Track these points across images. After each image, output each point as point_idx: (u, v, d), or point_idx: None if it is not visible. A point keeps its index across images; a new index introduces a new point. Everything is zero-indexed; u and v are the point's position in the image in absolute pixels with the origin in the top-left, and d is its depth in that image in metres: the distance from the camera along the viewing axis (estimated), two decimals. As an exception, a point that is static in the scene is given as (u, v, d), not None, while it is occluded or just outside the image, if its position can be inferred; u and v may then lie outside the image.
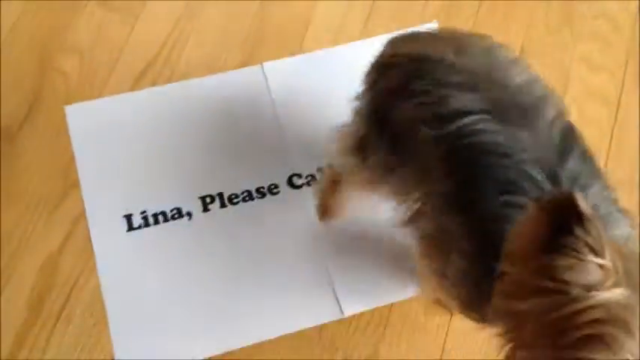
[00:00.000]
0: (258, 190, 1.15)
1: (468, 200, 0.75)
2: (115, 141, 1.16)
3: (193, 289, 1.08)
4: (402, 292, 1.11)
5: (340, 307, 1.09)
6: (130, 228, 1.11)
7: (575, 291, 0.53)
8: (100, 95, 1.19)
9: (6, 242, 1.08)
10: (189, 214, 1.12)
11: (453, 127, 0.74)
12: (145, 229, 1.11)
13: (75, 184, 1.12)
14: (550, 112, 0.74)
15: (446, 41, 0.83)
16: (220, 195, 1.14)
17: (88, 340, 1.04)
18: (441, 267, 0.82)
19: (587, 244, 0.53)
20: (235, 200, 1.14)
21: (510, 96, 0.75)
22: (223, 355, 1.04)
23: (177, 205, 1.13)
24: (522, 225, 0.60)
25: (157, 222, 1.11)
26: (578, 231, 0.53)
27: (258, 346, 1.06)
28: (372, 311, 1.10)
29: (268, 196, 1.15)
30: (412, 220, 0.84)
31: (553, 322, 0.55)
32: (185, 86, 1.22)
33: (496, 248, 0.64)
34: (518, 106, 0.74)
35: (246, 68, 1.25)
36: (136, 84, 1.21)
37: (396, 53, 0.86)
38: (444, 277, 0.82)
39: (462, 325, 1.11)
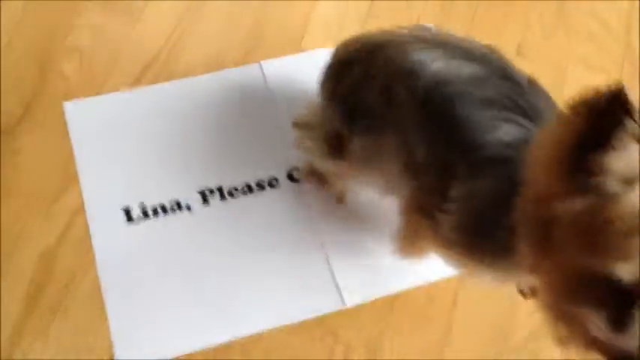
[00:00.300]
0: (257, 183, 1.15)
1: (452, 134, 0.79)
2: (114, 136, 1.16)
3: (193, 281, 1.06)
4: (405, 281, 1.10)
5: (342, 297, 1.08)
6: (129, 220, 1.10)
7: (616, 187, 0.54)
8: (99, 93, 1.20)
9: (4, 235, 1.06)
10: (188, 207, 1.12)
11: (423, 79, 0.80)
12: (144, 221, 1.10)
13: (74, 178, 1.12)
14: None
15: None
16: (220, 188, 1.14)
17: (86, 333, 1.02)
18: (432, 217, 0.82)
19: (635, 136, 0.55)
20: (235, 193, 1.14)
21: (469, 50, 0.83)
22: (226, 344, 1.03)
23: (177, 199, 1.12)
24: (552, 129, 0.62)
25: (156, 214, 1.11)
26: (628, 122, 0.54)
27: (259, 336, 1.04)
28: (375, 301, 1.09)
29: (268, 189, 1.15)
30: (402, 179, 0.86)
31: (586, 226, 0.56)
32: (184, 84, 1.23)
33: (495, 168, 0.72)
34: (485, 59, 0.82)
35: (244, 66, 1.26)
36: (135, 82, 1.22)
37: (351, 49, 0.93)
38: (439, 226, 0.82)
39: (466, 314, 1.10)
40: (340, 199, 1.14)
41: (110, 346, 1.01)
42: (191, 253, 1.09)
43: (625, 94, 0.55)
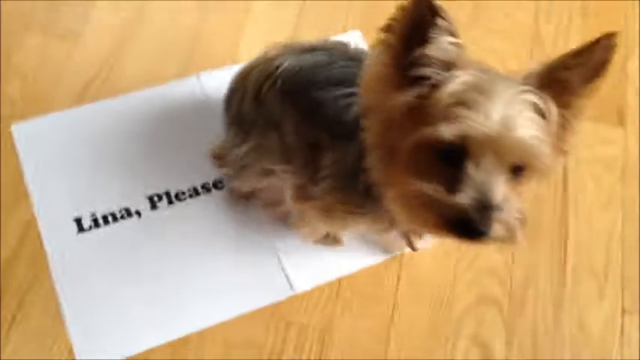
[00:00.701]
0: (203, 186, 1.21)
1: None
2: (62, 152, 1.21)
3: (146, 283, 1.11)
4: (350, 265, 1.17)
5: (290, 284, 1.14)
6: (81, 230, 1.14)
7: (438, 75, 0.68)
8: (45, 113, 1.24)
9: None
10: (138, 213, 1.17)
11: (280, 74, 0.94)
12: (95, 229, 1.14)
13: (24, 195, 1.16)
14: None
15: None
16: (167, 193, 1.19)
17: (45, 341, 1.06)
18: (310, 195, 0.94)
19: (446, 29, 0.67)
20: (182, 197, 1.19)
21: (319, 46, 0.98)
22: (183, 339, 1.08)
23: (126, 206, 1.17)
24: (375, 53, 0.72)
25: (106, 222, 1.15)
26: (438, 20, 0.66)
27: (215, 329, 1.09)
28: (322, 286, 1.15)
29: (214, 190, 1.21)
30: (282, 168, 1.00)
31: (418, 108, 0.69)
32: (126, 99, 1.28)
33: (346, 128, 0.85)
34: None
35: (183, 79, 1.32)
36: (79, 100, 1.27)
37: (234, 80, 1.09)
38: (317, 199, 0.93)
39: (410, 292, 1.17)
40: (275, 205, 1.18)
41: (69, 351, 1.05)
42: (143, 255, 1.14)
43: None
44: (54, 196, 1.16)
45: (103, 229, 1.15)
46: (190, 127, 1.26)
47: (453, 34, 0.68)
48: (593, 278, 1.22)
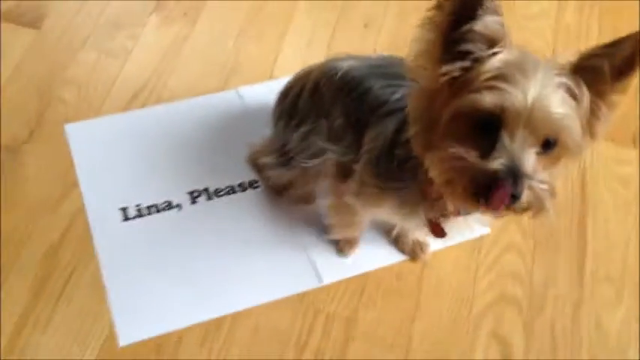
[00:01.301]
0: (240, 184, 1.29)
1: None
2: (111, 151, 1.31)
3: (183, 268, 1.19)
4: (375, 262, 1.23)
5: (319, 276, 1.20)
6: (126, 218, 1.22)
7: (482, 51, 0.74)
8: (96, 116, 1.35)
9: (8, 238, 1.18)
10: (178, 206, 1.25)
11: (339, 71, 1.05)
12: (139, 219, 1.23)
13: (74, 185, 1.25)
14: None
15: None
16: (206, 189, 1.28)
17: (87, 320, 1.12)
18: (350, 172, 1.03)
19: (492, 8, 0.74)
20: (220, 193, 1.27)
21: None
22: (217, 319, 1.14)
23: (168, 199, 1.25)
24: (423, 31, 0.79)
25: (149, 213, 1.24)
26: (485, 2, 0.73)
27: (247, 312, 1.15)
28: (349, 279, 1.21)
29: (249, 190, 1.29)
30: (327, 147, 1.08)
31: (461, 81, 0.76)
32: (170, 107, 1.39)
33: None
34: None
35: (223, 92, 1.43)
36: (126, 107, 1.37)
37: (291, 80, 1.20)
38: (355, 175, 1.02)
39: (432, 289, 1.22)
40: (307, 201, 1.28)
41: (111, 326, 1.11)
42: (181, 244, 1.21)
43: None
44: (102, 188, 1.25)
45: (146, 219, 1.23)
46: (229, 134, 1.36)
47: (497, 14, 0.74)
48: (611, 284, 1.26)
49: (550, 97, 0.74)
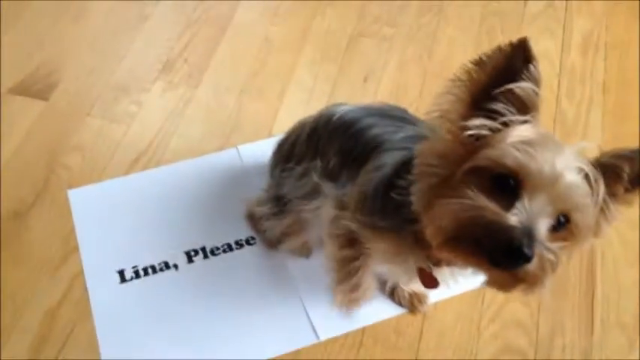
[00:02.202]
0: (236, 242, 1.29)
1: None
2: (111, 214, 1.33)
3: (179, 329, 1.18)
4: (374, 315, 1.21)
5: (316, 332, 1.18)
6: (123, 280, 1.23)
7: (511, 115, 0.74)
8: (98, 180, 1.38)
9: (11, 300, 1.20)
10: (175, 266, 1.26)
11: (335, 115, 1.07)
12: (136, 280, 1.24)
13: (75, 249, 1.27)
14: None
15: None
16: (203, 249, 1.28)
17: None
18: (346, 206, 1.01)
19: (533, 77, 0.74)
20: (217, 252, 1.28)
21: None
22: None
23: (165, 260, 1.26)
24: (457, 86, 0.79)
25: (146, 274, 1.24)
26: (531, 66, 0.73)
27: (241, 371, 1.14)
28: (346, 335, 1.19)
29: (246, 247, 1.29)
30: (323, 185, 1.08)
31: (485, 139, 0.75)
32: (171, 168, 1.41)
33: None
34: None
35: (223, 150, 1.45)
36: (129, 170, 1.40)
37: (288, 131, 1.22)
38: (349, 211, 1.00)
39: (433, 342, 1.19)
40: (303, 253, 1.27)
41: (105, 390, 1.11)
42: (178, 303, 1.21)
43: (528, 43, 0.73)
44: (100, 251, 1.27)
45: (143, 280, 1.24)
46: (227, 192, 1.37)
47: (537, 83, 0.74)
48: (622, 330, 1.21)
49: (574, 174, 0.72)
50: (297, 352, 1.16)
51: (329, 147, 1.06)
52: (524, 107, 0.75)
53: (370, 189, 0.95)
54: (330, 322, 1.19)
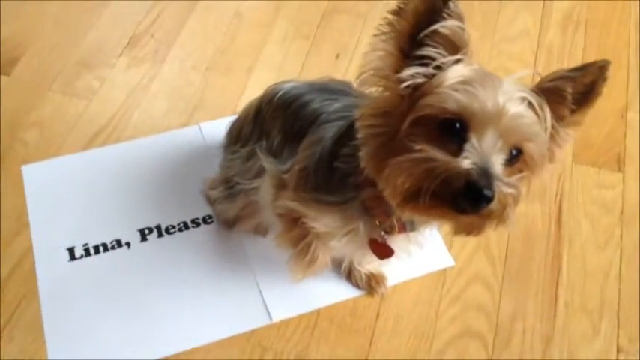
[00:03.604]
0: (193, 220, 1.26)
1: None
2: (64, 191, 1.29)
3: (129, 308, 1.15)
4: (330, 296, 1.17)
5: (269, 313, 1.15)
6: (72, 258, 1.20)
7: (445, 56, 0.72)
8: (55, 156, 1.35)
9: (-42, 276, 1.17)
10: (128, 244, 1.22)
11: (279, 92, 1.04)
12: (86, 258, 1.20)
13: (26, 225, 1.23)
14: None
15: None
16: (158, 227, 1.25)
17: (25, 356, 1.09)
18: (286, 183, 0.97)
19: (456, 13, 0.72)
20: (172, 230, 1.24)
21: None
22: (159, 360, 1.09)
23: (117, 237, 1.23)
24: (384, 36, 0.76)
25: (97, 252, 1.21)
26: (450, 4, 0.71)
27: (193, 351, 1.11)
28: (300, 316, 1.15)
29: (203, 225, 1.25)
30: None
31: (420, 87, 0.73)
32: (130, 145, 1.37)
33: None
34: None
35: (185, 128, 1.41)
36: (86, 147, 1.36)
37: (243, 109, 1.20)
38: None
39: (389, 324, 1.15)
40: (260, 232, 1.23)
41: (48, 367, 1.08)
42: (129, 282, 1.18)
43: None
44: (51, 229, 1.24)
45: (94, 258, 1.20)
46: (187, 170, 1.33)
47: (461, 19, 0.72)
48: (586, 315, 1.17)
49: (518, 105, 0.71)
50: (251, 332, 1.13)
51: (272, 126, 1.04)
52: (454, 46, 0.73)
53: (312, 163, 0.91)
54: (284, 303, 1.16)
